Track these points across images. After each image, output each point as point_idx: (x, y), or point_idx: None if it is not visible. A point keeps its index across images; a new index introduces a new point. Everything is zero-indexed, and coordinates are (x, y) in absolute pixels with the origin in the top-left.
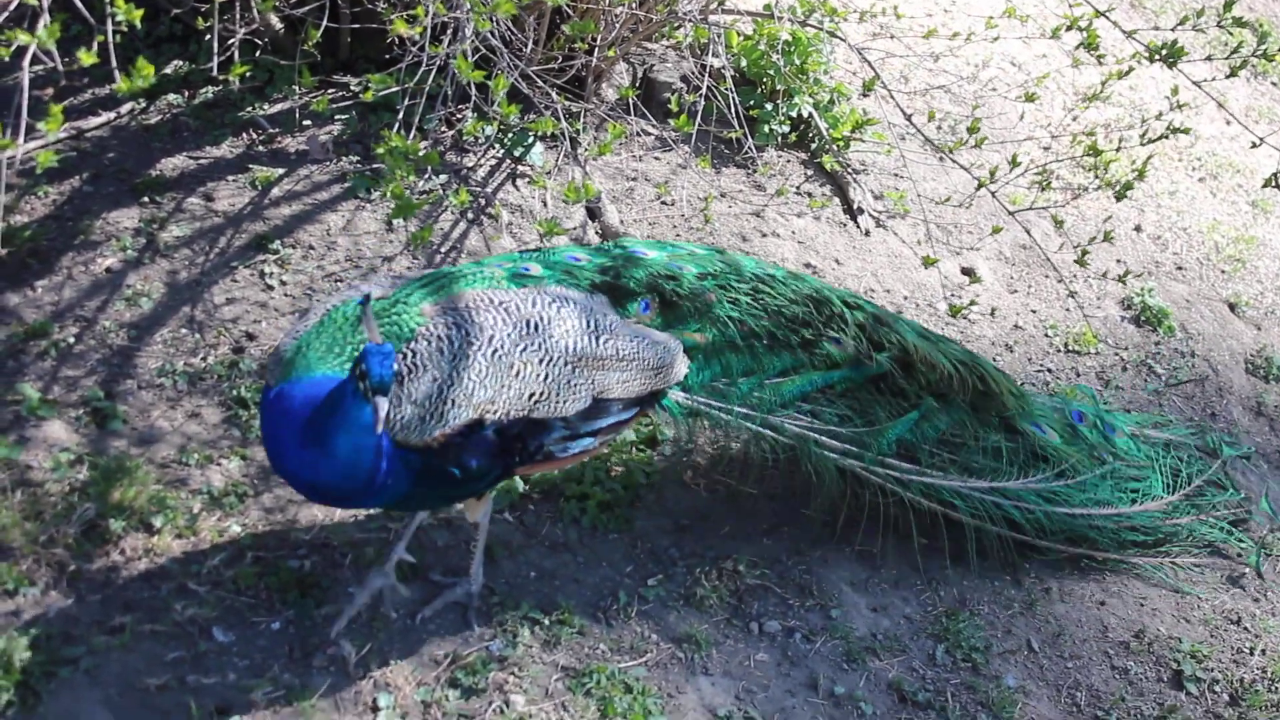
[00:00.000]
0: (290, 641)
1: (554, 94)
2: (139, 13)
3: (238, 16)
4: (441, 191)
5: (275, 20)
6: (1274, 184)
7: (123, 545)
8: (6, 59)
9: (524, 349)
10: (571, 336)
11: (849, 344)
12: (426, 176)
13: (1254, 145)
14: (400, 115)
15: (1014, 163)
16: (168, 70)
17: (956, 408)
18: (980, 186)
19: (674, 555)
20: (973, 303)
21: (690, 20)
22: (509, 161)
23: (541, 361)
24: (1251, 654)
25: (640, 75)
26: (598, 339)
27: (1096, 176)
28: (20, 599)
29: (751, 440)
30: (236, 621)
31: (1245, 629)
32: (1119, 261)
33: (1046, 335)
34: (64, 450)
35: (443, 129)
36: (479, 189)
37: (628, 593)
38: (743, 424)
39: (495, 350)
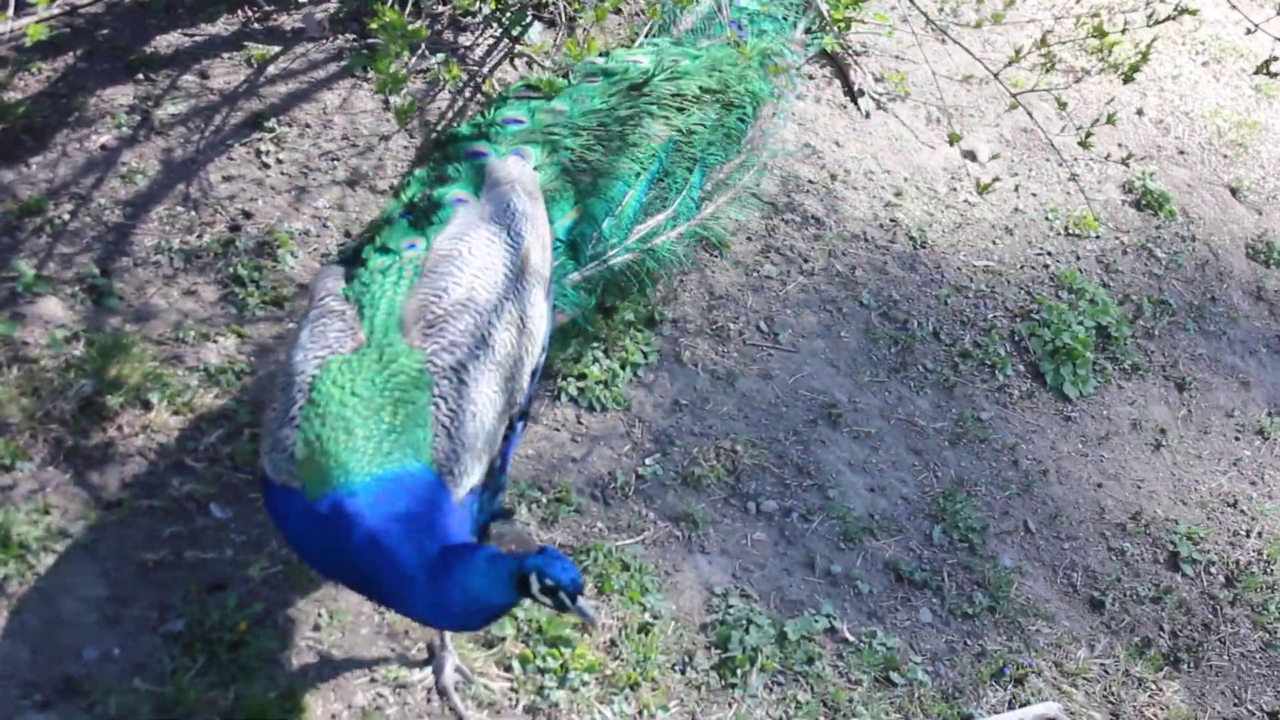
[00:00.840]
0: None
1: None
2: None
3: None
4: (438, 70)
5: None
6: (1266, 71)
7: (119, 422)
8: None
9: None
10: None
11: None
12: (421, 53)
13: (1248, 31)
14: None
15: (1016, 57)
16: None
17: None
18: (995, 75)
19: (671, 435)
20: (996, 179)
21: None
22: (507, 41)
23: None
24: (1248, 536)
25: None
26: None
27: (1100, 60)
28: (17, 474)
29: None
30: (234, 498)
31: (1242, 512)
32: (1120, 145)
33: (1047, 219)
34: (60, 327)
35: (438, 6)
36: (476, 68)
37: (625, 472)
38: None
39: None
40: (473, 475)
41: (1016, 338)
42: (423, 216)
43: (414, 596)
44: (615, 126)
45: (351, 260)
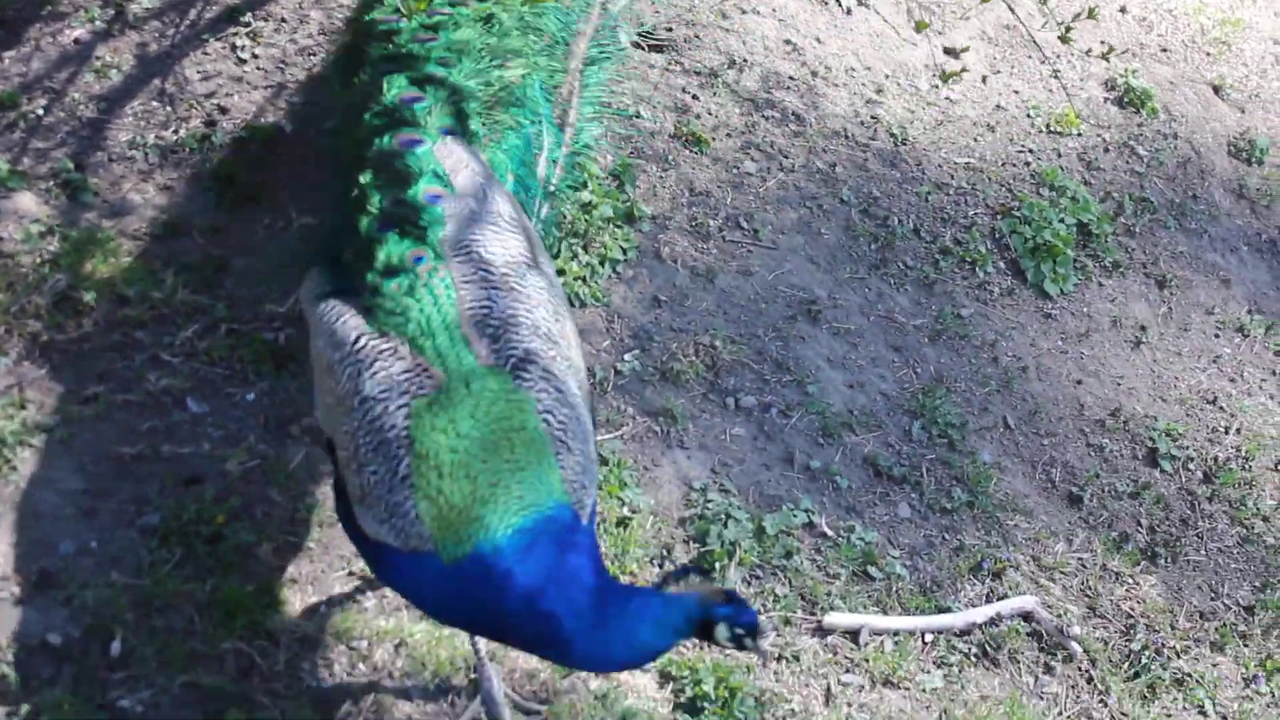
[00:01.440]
0: (264, 412)
1: None
2: None
3: None
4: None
5: None
6: None
7: (95, 317)
8: None
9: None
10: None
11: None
12: None
13: None
14: None
15: None
16: None
17: None
18: None
19: (651, 331)
20: (965, 70)
21: None
22: None
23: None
24: (1226, 433)
25: None
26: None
27: None
28: None
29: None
30: (210, 393)
31: (1221, 409)
32: (1102, 42)
33: (1028, 116)
34: (34, 222)
35: None
36: None
37: (604, 368)
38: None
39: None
40: (591, 489)
41: (997, 235)
42: (407, 224)
43: (574, 652)
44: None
45: (344, 289)
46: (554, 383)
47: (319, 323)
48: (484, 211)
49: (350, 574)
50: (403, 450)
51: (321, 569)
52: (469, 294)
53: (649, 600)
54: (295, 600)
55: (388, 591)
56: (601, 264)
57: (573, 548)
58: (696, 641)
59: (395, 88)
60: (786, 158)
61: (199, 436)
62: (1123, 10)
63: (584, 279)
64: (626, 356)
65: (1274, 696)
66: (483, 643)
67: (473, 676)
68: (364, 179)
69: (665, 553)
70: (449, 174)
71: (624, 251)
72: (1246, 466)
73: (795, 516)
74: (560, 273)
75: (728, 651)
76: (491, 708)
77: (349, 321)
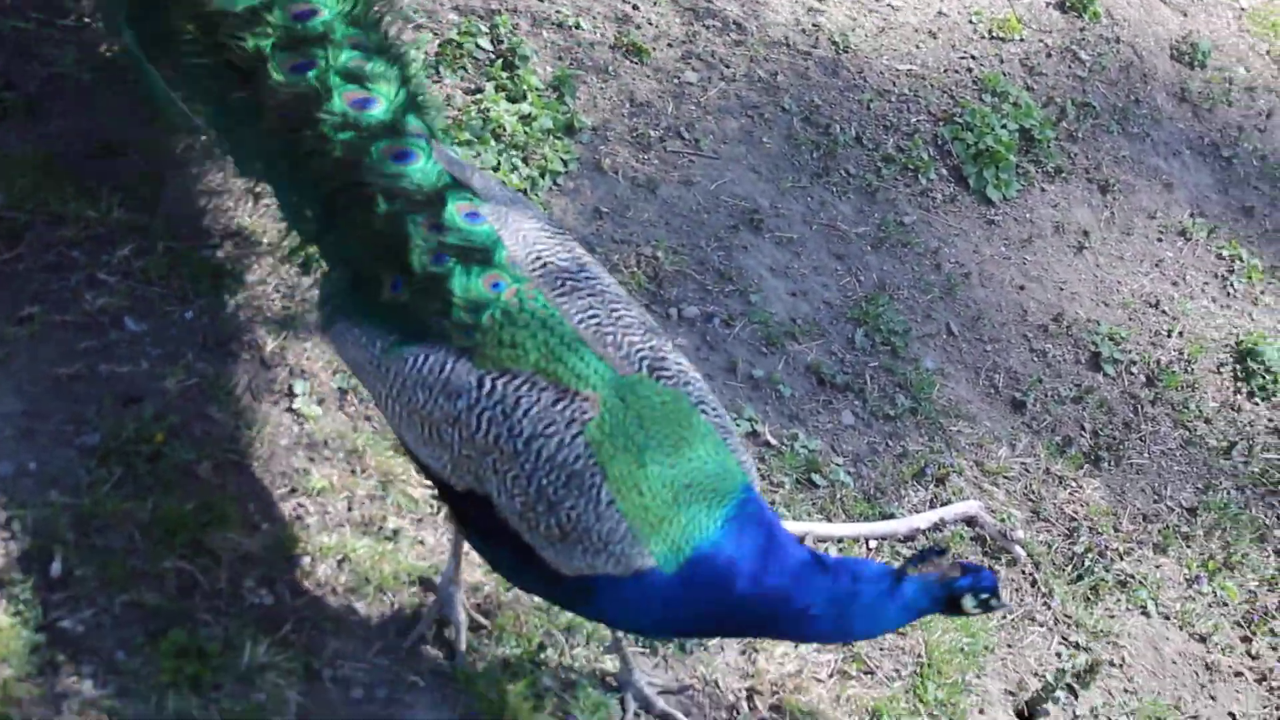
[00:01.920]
0: (203, 331)
1: None
2: None
3: None
4: None
5: None
6: None
7: (29, 238)
8: None
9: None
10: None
11: None
12: None
13: None
14: None
15: None
16: None
17: None
18: None
19: (593, 243)
20: None
21: None
22: None
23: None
24: (1169, 336)
25: None
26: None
27: None
28: None
29: None
30: (148, 311)
31: (1164, 312)
32: None
33: (970, 22)
34: None
35: None
36: None
37: None
38: None
39: None
40: (751, 462)
41: (940, 142)
42: (464, 252)
43: (814, 625)
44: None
45: (403, 329)
46: (687, 374)
47: (404, 380)
48: (520, 213)
49: (293, 491)
50: (598, 477)
51: (263, 487)
52: (569, 305)
53: (884, 578)
54: (237, 518)
55: (330, 507)
56: (542, 176)
57: (769, 524)
58: None
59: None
60: (728, 67)
61: (137, 355)
62: None
63: (524, 191)
64: None
65: (1216, 596)
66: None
67: (419, 592)
68: (384, 208)
69: None
70: (465, 180)
71: (564, 163)
72: (1189, 369)
73: (738, 425)
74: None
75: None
76: (448, 609)
77: (454, 368)
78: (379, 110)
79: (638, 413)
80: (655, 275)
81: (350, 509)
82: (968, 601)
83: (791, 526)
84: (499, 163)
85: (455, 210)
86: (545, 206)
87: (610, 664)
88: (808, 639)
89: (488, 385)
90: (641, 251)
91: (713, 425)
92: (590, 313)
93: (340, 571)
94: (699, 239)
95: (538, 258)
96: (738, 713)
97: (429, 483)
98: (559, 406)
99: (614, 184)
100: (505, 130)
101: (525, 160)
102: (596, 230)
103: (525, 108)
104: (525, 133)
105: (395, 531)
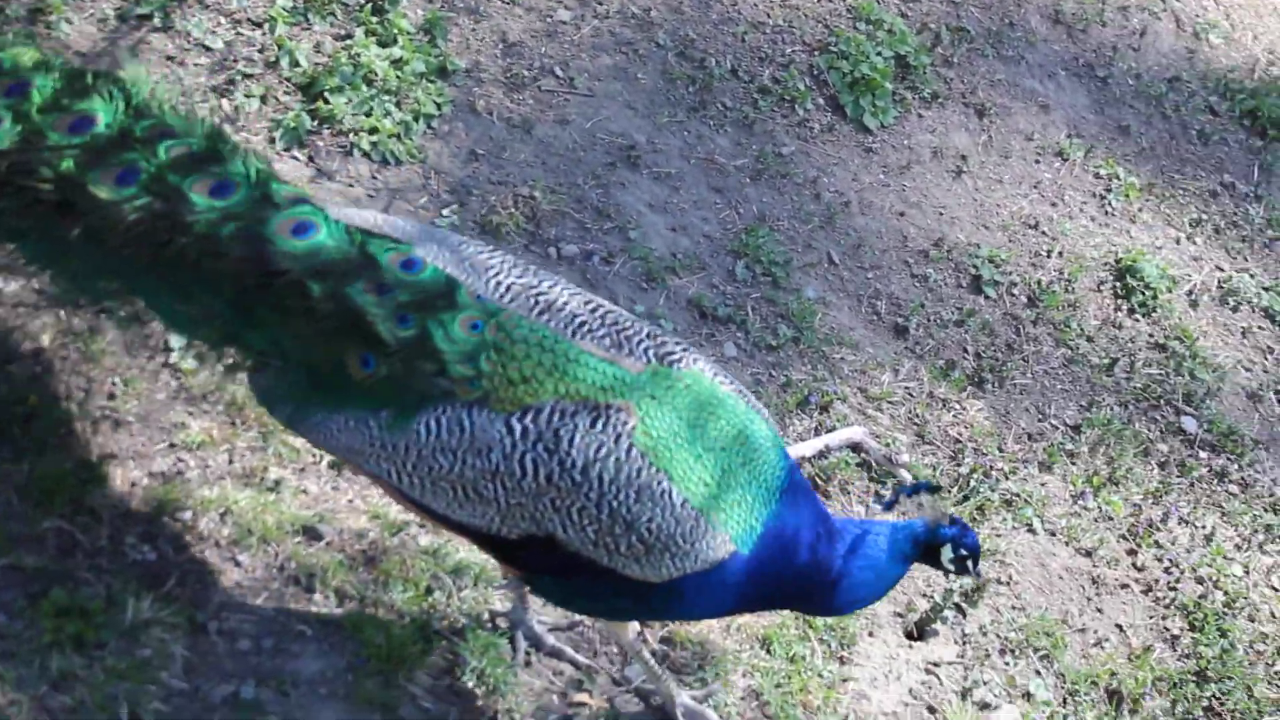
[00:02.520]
0: None
1: None
2: None
3: None
4: None
5: None
6: None
7: None
8: None
9: None
10: None
11: None
12: None
13: None
14: None
15: None
16: None
17: None
18: None
19: (469, 185)
20: None
21: None
22: None
23: None
24: (1049, 256)
25: None
26: None
27: None
28: None
29: None
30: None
31: (1043, 233)
32: None
33: None
34: None
35: None
36: None
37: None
38: None
39: None
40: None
41: (815, 71)
42: (426, 304)
43: (839, 594)
44: None
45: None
46: (690, 349)
47: (421, 451)
48: (447, 244)
49: (172, 446)
50: (665, 482)
51: (142, 443)
52: (554, 320)
53: (881, 530)
54: (116, 475)
55: (211, 460)
56: (415, 120)
57: (809, 490)
58: None
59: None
60: (600, 4)
61: (7, 315)
62: None
63: (398, 136)
64: (445, 212)
65: (1101, 511)
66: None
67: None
68: (318, 289)
69: None
70: (377, 227)
71: (438, 106)
72: (1069, 288)
73: None
74: (373, 131)
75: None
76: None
77: (474, 422)
78: (239, 194)
79: (672, 406)
80: (533, 215)
81: (231, 461)
82: (946, 553)
83: None
84: (371, 108)
85: (391, 264)
86: (419, 151)
87: (499, 603)
88: (824, 610)
89: (518, 428)
90: (519, 192)
91: (737, 395)
92: (578, 321)
93: (223, 524)
94: (576, 177)
95: (497, 283)
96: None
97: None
98: (600, 426)
99: (489, 125)
100: (376, 75)
101: (398, 105)
102: (473, 173)
103: (396, 51)
104: (397, 77)
105: (277, 482)
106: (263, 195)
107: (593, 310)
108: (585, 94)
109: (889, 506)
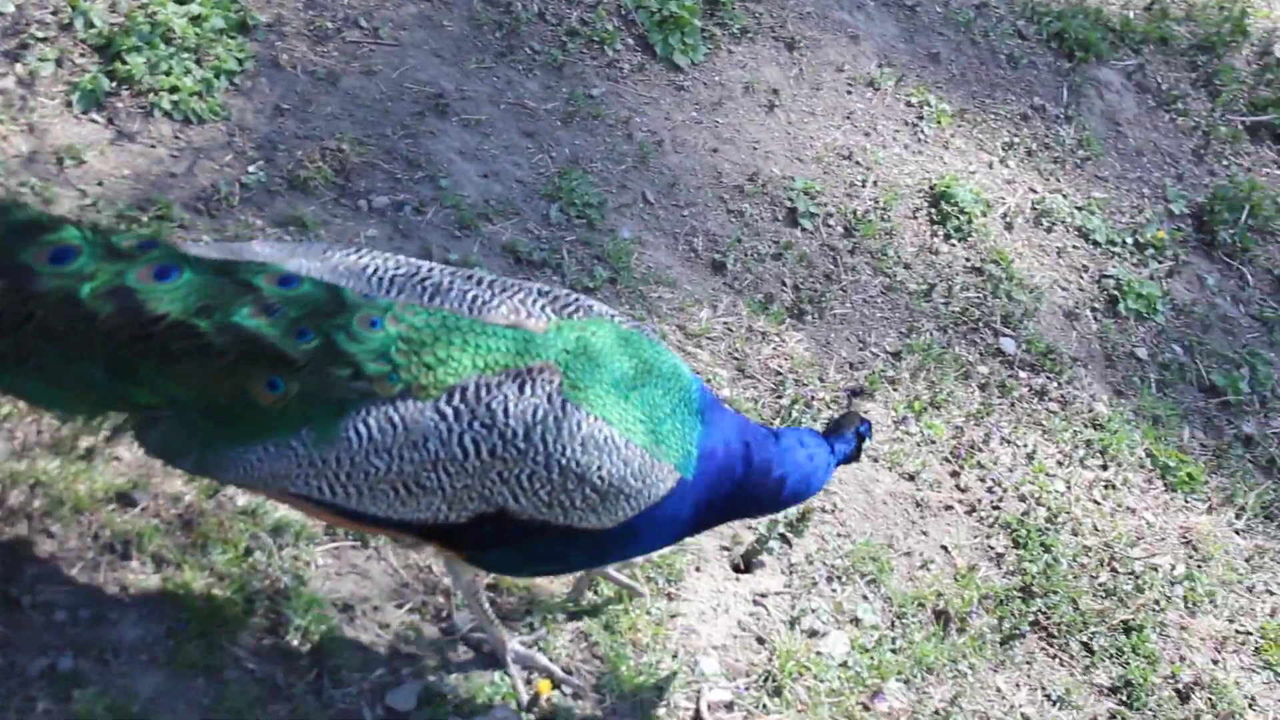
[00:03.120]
0: None
1: None
2: None
3: None
4: None
5: None
6: None
7: None
8: None
9: None
10: None
11: None
12: None
13: None
14: None
15: None
16: None
17: None
18: None
19: (275, 140)
20: None
21: None
22: None
23: None
24: (864, 186)
25: None
26: None
27: None
28: None
29: None
30: None
31: (857, 163)
32: None
33: None
34: None
35: None
36: None
37: (229, 182)
38: None
39: None
40: None
41: (623, 11)
42: (319, 314)
43: (786, 491)
44: None
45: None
46: (583, 298)
47: (354, 458)
48: (311, 252)
49: None
50: (605, 428)
51: None
52: (447, 301)
53: (822, 440)
54: None
55: (18, 432)
56: (217, 77)
57: (720, 404)
58: None
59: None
60: None
61: None
62: None
63: (199, 94)
64: (251, 169)
65: (923, 435)
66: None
67: (118, 508)
68: (207, 324)
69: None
70: (236, 254)
71: (240, 63)
72: (885, 217)
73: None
74: (173, 90)
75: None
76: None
77: (403, 416)
78: (81, 257)
79: (587, 355)
80: (342, 168)
81: (40, 432)
82: (865, 445)
83: None
84: (170, 68)
85: (269, 284)
86: (222, 108)
87: (321, 559)
88: (774, 507)
89: (450, 411)
90: (326, 146)
91: (638, 330)
92: (470, 297)
93: (34, 496)
94: (385, 128)
95: (379, 280)
96: (454, 594)
97: (401, 538)
98: (529, 390)
99: (293, 80)
100: (175, 33)
101: (198, 62)
102: (279, 128)
103: (195, 8)
104: (196, 34)
105: (89, 450)
106: (108, 249)
107: (480, 284)
108: (391, 44)
109: (843, 418)
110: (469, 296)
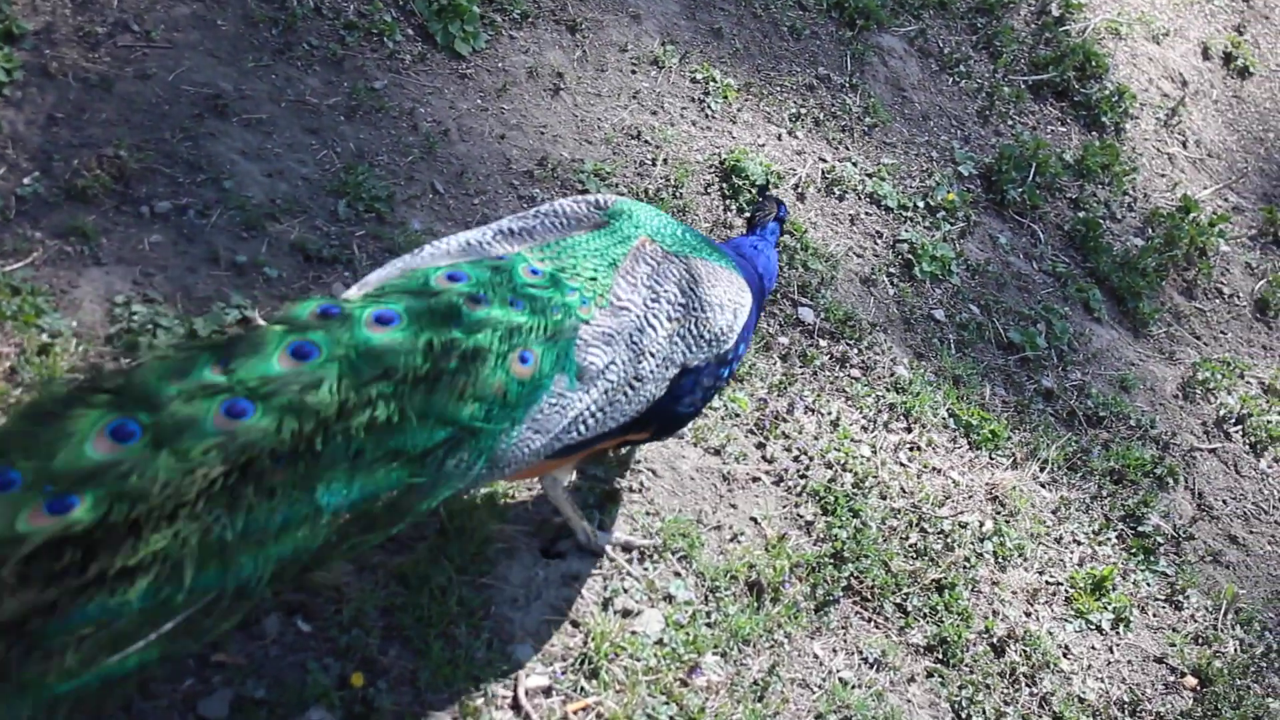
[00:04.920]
0: None
1: None
2: None
3: None
4: None
5: None
6: None
7: None
8: None
9: None
10: None
11: None
12: None
13: None
14: None
15: None
16: None
17: None
18: None
19: (50, 151)
20: None
21: None
22: None
23: None
24: (654, 165)
25: None
26: None
27: None
28: None
29: None
30: None
31: (646, 142)
32: None
33: None
34: None
35: None
36: None
37: (2, 196)
38: None
39: None
40: None
41: (401, 2)
42: (503, 281)
43: (764, 294)
44: None
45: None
46: (597, 193)
47: (603, 374)
48: (421, 255)
49: None
50: (711, 264)
51: None
52: (548, 236)
53: (765, 235)
54: None
55: None
56: None
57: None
58: None
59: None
60: None
61: None
62: None
63: None
64: (26, 180)
65: (727, 409)
66: None
67: None
68: (459, 335)
69: (96, 374)
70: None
71: (8, 73)
72: (678, 194)
73: (227, 314)
74: None
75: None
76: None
77: (610, 325)
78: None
79: (651, 222)
80: (121, 175)
81: None
82: (785, 222)
83: None
84: None
85: (450, 283)
86: None
87: None
88: (762, 296)
89: (626, 305)
90: (103, 153)
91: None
92: (552, 225)
93: None
94: (163, 132)
95: (480, 245)
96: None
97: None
98: (652, 262)
99: (66, 88)
100: None
101: None
102: (53, 138)
103: None
104: None
105: None
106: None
107: (544, 216)
108: (165, 46)
109: (758, 210)
110: (552, 225)
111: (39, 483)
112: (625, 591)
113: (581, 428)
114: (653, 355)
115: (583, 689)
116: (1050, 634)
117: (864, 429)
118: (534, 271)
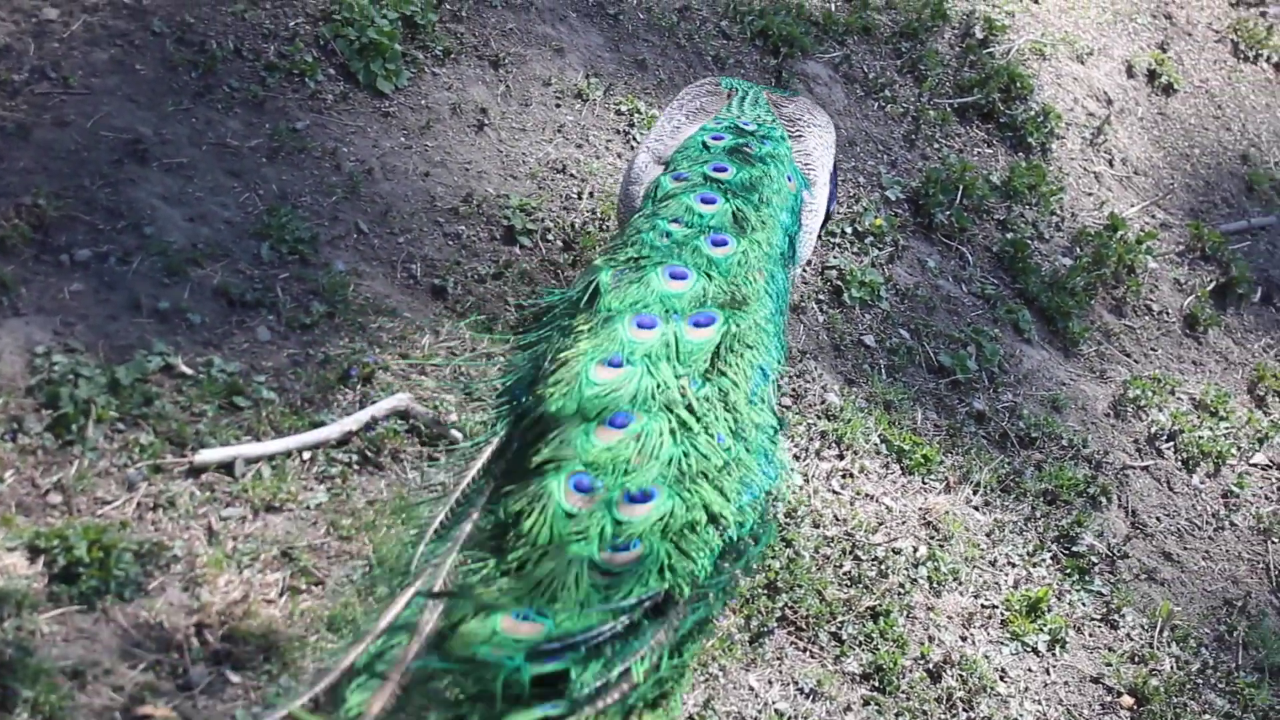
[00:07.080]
0: None
1: None
2: None
3: None
4: None
5: None
6: None
7: None
8: None
9: None
10: None
11: None
12: None
13: None
14: None
15: None
16: None
17: None
18: None
19: None
20: None
21: None
22: None
23: None
24: (580, 198)
25: None
26: None
27: None
28: None
29: None
30: None
31: (572, 176)
32: None
33: None
34: None
35: None
36: None
37: None
38: None
39: None
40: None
41: (322, 42)
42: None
43: None
44: None
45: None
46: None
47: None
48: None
49: None
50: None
51: None
52: (696, 124)
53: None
54: None
55: None
56: None
57: None
58: (64, 507)
59: None
60: None
61: None
62: None
63: None
64: None
65: None
66: None
67: None
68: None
69: (16, 425)
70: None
71: None
72: (604, 228)
73: (150, 362)
74: None
75: None
76: None
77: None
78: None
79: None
80: (40, 224)
81: None
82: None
83: (217, 453)
84: None
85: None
86: None
87: (46, 626)
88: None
89: (802, 142)
90: (21, 202)
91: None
92: (713, 106)
93: None
94: (82, 179)
95: (670, 135)
96: (189, 649)
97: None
98: (788, 105)
99: None
100: None
101: None
102: None
103: None
104: None
105: None
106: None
107: (697, 102)
108: (83, 92)
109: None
110: (710, 101)
111: None
112: None
113: (822, 216)
114: (824, 166)
115: None
116: (986, 658)
117: (796, 457)
118: (748, 123)
